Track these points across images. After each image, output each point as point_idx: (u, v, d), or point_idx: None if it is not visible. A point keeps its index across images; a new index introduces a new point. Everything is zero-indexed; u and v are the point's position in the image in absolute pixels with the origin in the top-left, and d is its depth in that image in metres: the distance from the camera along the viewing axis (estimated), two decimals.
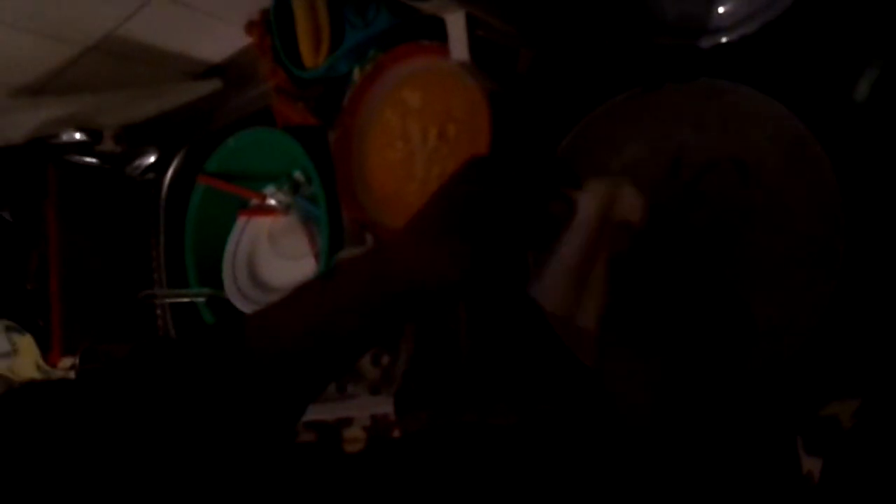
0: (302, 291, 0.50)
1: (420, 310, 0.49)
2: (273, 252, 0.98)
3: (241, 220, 1.01)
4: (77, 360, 1.02)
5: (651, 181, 0.66)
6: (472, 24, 0.61)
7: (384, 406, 0.78)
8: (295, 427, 0.52)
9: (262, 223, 0.99)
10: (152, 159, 1.01)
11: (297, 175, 0.96)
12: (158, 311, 1.04)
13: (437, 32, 0.68)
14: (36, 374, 1.07)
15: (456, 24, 0.61)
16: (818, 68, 0.59)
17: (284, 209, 0.96)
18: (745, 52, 0.60)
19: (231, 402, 0.45)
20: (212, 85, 0.98)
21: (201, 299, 0.99)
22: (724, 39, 0.55)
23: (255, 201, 0.99)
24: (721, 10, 0.56)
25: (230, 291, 0.98)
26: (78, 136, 0.93)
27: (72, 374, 1.03)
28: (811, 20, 0.56)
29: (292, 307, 0.49)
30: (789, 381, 0.59)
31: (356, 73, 0.83)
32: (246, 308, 0.95)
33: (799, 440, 0.61)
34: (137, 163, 1.02)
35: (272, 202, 0.97)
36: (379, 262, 0.49)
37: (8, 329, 1.02)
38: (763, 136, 0.62)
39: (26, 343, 1.02)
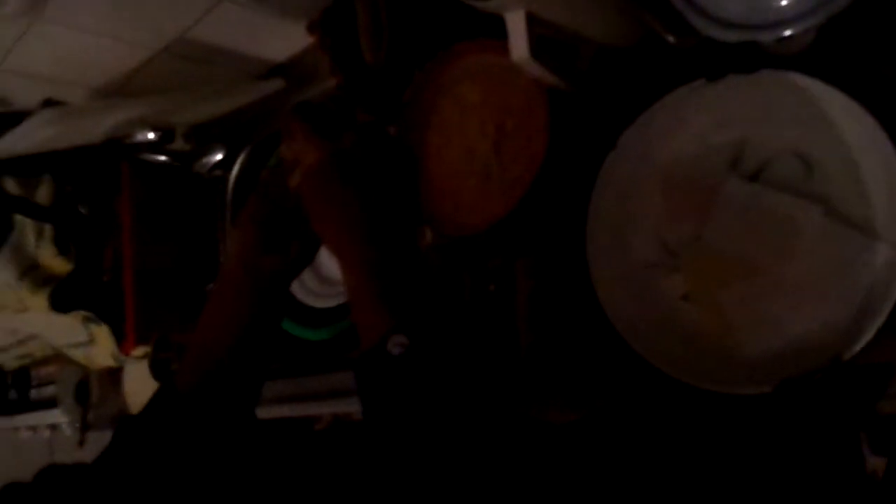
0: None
1: (263, 282, 0.63)
2: None
3: None
4: (150, 349, 1.07)
5: (712, 173, 0.66)
6: (532, 23, 0.62)
7: None
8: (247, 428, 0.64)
9: None
10: (219, 157, 1.05)
11: None
12: None
13: (496, 29, 0.69)
14: (111, 363, 1.12)
15: (516, 23, 0.62)
16: (884, 60, 0.58)
17: None
18: (811, 44, 0.59)
19: (186, 441, 0.59)
20: (275, 84, 1.01)
21: None
22: (787, 32, 0.55)
23: None
24: (784, 1, 0.56)
25: (293, 284, 1.01)
26: (151, 135, 0.97)
27: (145, 362, 1.08)
28: (878, 12, 0.56)
29: (191, 340, 0.64)
30: (854, 379, 0.58)
31: (415, 70, 0.84)
32: (310, 301, 0.98)
33: (864, 439, 0.60)
34: (205, 160, 1.05)
35: None
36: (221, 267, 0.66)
37: (85, 319, 1.07)
38: (827, 127, 0.61)
39: (103, 333, 1.07)
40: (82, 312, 1.06)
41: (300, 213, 0.60)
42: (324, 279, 1.00)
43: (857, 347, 0.56)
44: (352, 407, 0.94)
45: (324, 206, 0.57)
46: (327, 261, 1.01)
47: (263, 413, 0.97)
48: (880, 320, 0.56)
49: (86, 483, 0.57)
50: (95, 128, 0.93)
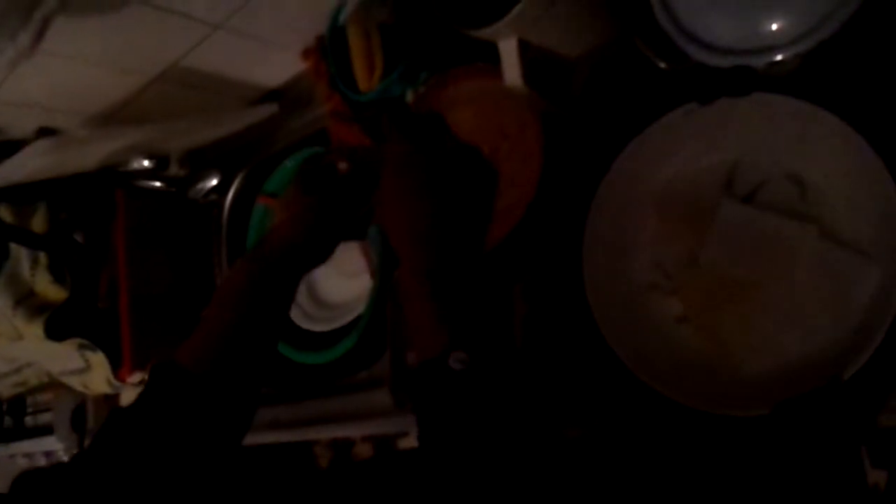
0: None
1: (294, 268, 0.63)
2: (331, 269, 1.00)
3: None
4: (146, 376, 1.06)
5: (707, 196, 0.67)
6: (524, 49, 0.63)
7: None
8: (251, 415, 0.62)
9: None
10: (214, 182, 1.05)
11: None
12: None
13: (489, 54, 0.69)
14: (107, 390, 1.11)
15: (509, 49, 0.63)
16: (875, 82, 0.59)
17: None
18: (800, 66, 0.60)
19: (187, 420, 0.56)
20: (269, 109, 1.02)
21: None
22: (778, 57, 0.56)
23: None
24: (774, 27, 0.56)
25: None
26: (146, 163, 0.97)
27: (141, 389, 1.07)
28: (868, 36, 0.56)
29: (203, 317, 0.61)
30: (854, 392, 0.58)
31: (409, 96, 0.85)
32: (306, 324, 0.97)
33: (864, 452, 0.60)
34: (200, 185, 1.06)
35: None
36: (257, 246, 0.65)
37: (81, 346, 1.06)
38: (820, 149, 0.62)
39: (98, 360, 1.06)
40: (78, 340, 1.05)
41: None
42: (321, 303, 1.00)
43: (856, 367, 0.56)
44: (350, 431, 0.94)
45: (400, 201, 0.56)
46: (324, 284, 1.01)
47: (263, 438, 0.97)
48: (878, 339, 0.56)
49: (65, 482, 0.53)
50: (90, 156, 0.93)
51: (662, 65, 0.63)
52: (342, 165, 0.68)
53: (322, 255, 0.68)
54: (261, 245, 0.65)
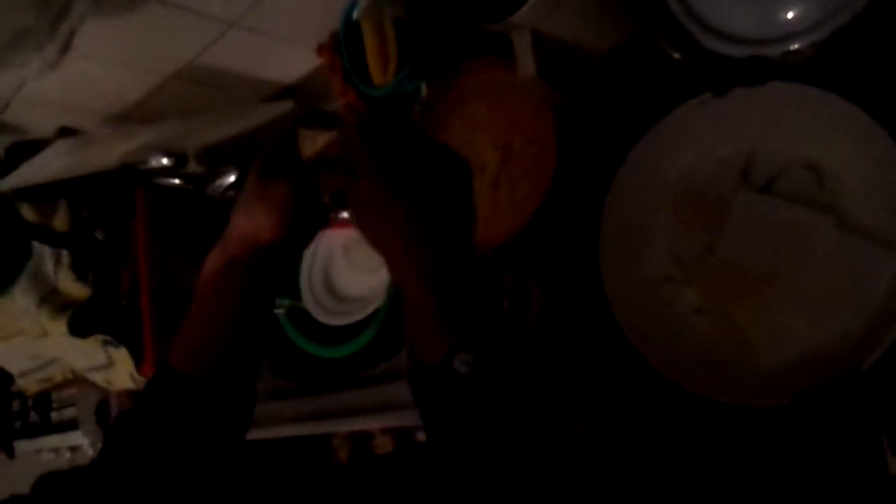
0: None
1: (264, 262, 0.60)
2: (348, 264, 1.01)
3: None
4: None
5: (723, 186, 0.66)
6: (538, 41, 0.63)
7: None
8: (250, 409, 0.61)
9: (336, 236, 1.03)
10: (232, 178, 1.06)
11: None
12: None
13: (502, 48, 0.70)
14: (131, 385, 1.13)
15: (522, 41, 0.63)
16: (892, 70, 0.58)
17: None
18: (816, 54, 0.59)
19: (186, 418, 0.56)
20: (285, 105, 1.02)
21: (281, 310, 1.03)
22: (794, 46, 0.55)
23: None
24: (790, 14, 0.56)
25: (308, 302, 1.01)
26: (165, 160, 0.98)
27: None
28: (885, 23, 0.56)
29: (186, 317, 0.61)
30: (873, 382, 0.58)
31: (423, 89, 0.85)
32: (324, 318, 0.98)
33: (885, 442, 0.60)
34: (218, 182, 1.06)
35: (346, 215, 0.99)
36: (218, 242, 0.62)
37: (104, 343, 1.08)
38: (837, 138, 0.61)
39: (121, 356, 1.08)
40: (101, 336, 1.07)
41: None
42: (339, 297, 1.01)
43: (875, 357, 0.56)
44: (369, 424, 0.94)
45: (377, 210, 0.54)
46: (343, 278, 1.02)
47: (282, 432, 0.98)
48: None
49: (84, 484, 0.55)
50: (110, 155, 0.94)
51: (677, 55, 0.62)
52: (306, 150, 0.62)
53: (296, 244, 0.65)
54: (229, 238, 0.62)
